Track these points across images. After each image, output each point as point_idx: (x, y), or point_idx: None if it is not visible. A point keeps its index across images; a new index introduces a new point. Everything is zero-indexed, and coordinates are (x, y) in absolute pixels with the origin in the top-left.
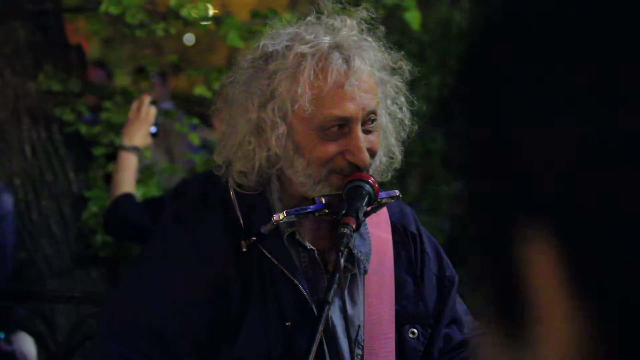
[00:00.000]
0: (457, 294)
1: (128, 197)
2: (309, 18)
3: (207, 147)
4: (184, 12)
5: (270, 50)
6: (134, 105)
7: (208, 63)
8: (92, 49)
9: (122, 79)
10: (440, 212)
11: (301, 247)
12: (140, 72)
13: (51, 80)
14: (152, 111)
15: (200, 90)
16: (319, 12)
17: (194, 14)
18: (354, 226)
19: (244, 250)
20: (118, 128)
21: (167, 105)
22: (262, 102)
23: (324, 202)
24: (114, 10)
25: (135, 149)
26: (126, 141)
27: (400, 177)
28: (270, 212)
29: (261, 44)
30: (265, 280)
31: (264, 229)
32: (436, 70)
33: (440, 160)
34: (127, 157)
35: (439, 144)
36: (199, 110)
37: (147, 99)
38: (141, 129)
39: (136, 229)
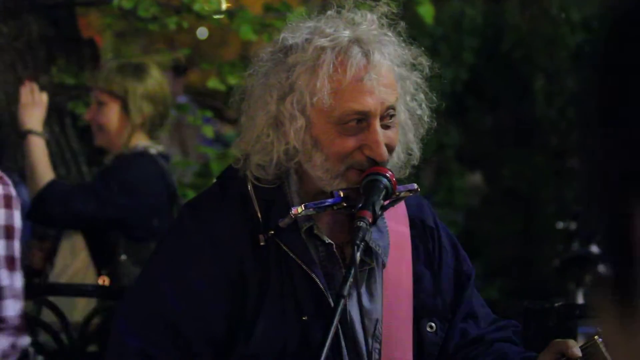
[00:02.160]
0: (474, 288)
1: (60, 183)
2: (329, 12)
3: (220, 140)
4: (196, 6)
5: (290, 43)
6: (26, 89)
7: (221, 57)
8: (105, 43)
9: None
10: (454, 206)
11: (319, 241)
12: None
13: (64, 73)
14: (44, 96)
15: (213, 83)
16: (340, 7)
17: (207, 7)
18: (370, 220)
19: (262, 244)
20: None
21: (182, 99)
22: (281, 95)
23: (341, 195)
24: (126, 4)
25: (43, 133)
26: (32, 125)
27: (414, 171)
28: (289, 206)
29: (281, 37)
30: (282, 274)
31: (282, 223)
32: (449, 64)
33: (454, 154)
34: (39, 142)
35: (452, 137)
36: (212, 103)
37: (34, 84)
38: (39, 113)
39: (75, 214)
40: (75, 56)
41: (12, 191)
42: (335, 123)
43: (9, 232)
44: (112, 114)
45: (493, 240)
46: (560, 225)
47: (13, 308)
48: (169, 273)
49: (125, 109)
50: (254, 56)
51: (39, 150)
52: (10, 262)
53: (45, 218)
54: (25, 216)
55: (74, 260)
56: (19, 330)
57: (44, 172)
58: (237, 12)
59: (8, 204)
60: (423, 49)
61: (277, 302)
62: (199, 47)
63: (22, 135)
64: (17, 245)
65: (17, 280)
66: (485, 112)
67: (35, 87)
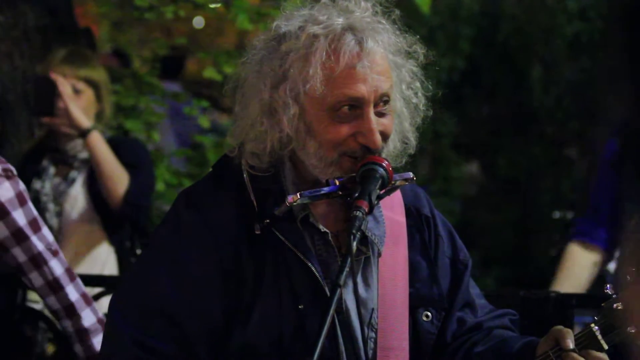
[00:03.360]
0: (470, 277)
1: (134, 179)
2: (323, 0)
3: (216, 130)
4: None
5: (284, 31)
6: (63, 83)
7: (217, 46)
8: (102, 32)
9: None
10: (451, 195)
11: (315, 229)
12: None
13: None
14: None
15: (209, 73)
16: None
17: None
18: (366, 209)
19: (257, 233)
20: (128, 111)
21: (171, 87)
22: (274, 83)
23: (337, 184)
24: None
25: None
26: (89, 121)
27: (410, 160)
28: (284, 195)
29: (274, 25)
30: (278, 263)
31: (278, 211)
32: (446, 53)
33: (450, 143)
34: (100, 136)
35: (449, 127)
36: (208, 93)
37: (58, 76)
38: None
39: (148, 206)
40: (72, 45)
41: (10, 165)
42: (328, 110)
43: (21, 199)
44: (89, 101)
45: (489, 230)
46: (556, 214)
47: (78, 290)
48: (164, 262)
49: (98, 95)
50: (243, 46)
51: (104, 145)
52: (34, 225)
53: (136, 213)
54: (119, 214)
55: (91, 251)
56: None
57: (118, 167)
58: (233, 1)
59: (10, 176)
60: (419, 37)
61: (273, 290)
62: (195, 36)
63: (84, 133)
64: (31, 206)
65: (47, 239)
66: (482, 101)
67: (64, 80)
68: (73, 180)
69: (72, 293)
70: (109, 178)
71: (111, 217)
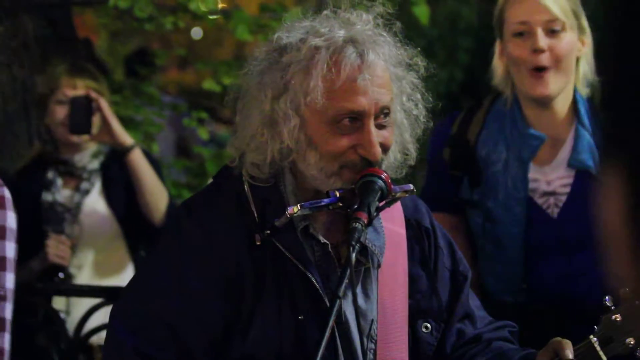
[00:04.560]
0: (470, 289)
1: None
2: (325, 12)
3: (215, 141)
4: (192, 6)
5: (285, 42)
6: (103, 102)
7: (215, 57)
8: (100, 43)
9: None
10: None
11: (315, 240)
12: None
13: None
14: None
15: (209, 84)
16: (336, 7)
17: (203, 7)
18: (365, 221)
19: (258, 243)
20: (126, 121)
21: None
22: (275, 95)
23: (337, 195)
24: (122, 3)
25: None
26: (130, 138)
27: (408, 172)
28: (285, 206)
29: (276, 36)
30: (278, 274)
31: (278, 222)
32: (444, 65)
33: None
34: (141, 154)
35: None
36: (207, 104)
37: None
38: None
39: None
40: (71, 56)
41: (6, 192)
42: (328, 122)
43: (1, 232)
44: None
45: None
46: None
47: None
48: (165, 272)
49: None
50: (249, 56)
51: (145, 162)
52: (1, 263)
53: None
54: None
55: (111, 260)
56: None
57: (159, 183)
58: (233, 12)
59: (2, 205)
60: (419, 49)
61: (273, 301)
62: (194, 47)
63: (126, 151)
64: (10, 245)
65: (9, 281)
66: None
67: (103, 99)
68: (87, 191)
69: None
70: (151, 194)
71: (136, 229)
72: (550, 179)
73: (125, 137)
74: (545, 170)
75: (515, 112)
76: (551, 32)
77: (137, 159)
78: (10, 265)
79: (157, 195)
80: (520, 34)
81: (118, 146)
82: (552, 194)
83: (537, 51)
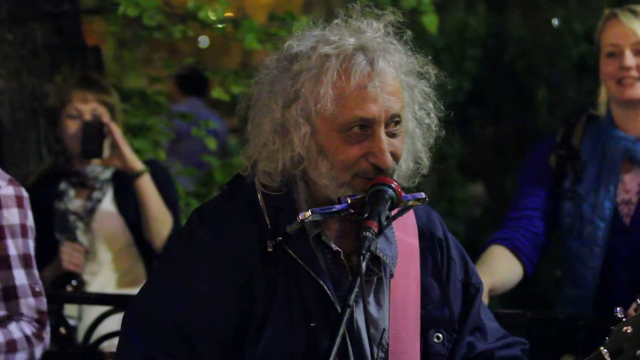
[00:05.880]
0: (482, 302)
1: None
2: (335, 20)
3: (223, 150)
4: (202, 14)
5: (295, 51)
6: (114, 127)
7: (222, 66)
8: (107, 51)
9: (137, 82)
10: (456, 216)
11: (327, 248)
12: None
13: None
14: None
15: (217, 93)
16: (346, 15)
17: (212, 16)
18: (375, 230)
19: (270, 250)
20: (135, 130)
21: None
22: (286, 103)
23: (349, 202)
24: (132, 12)
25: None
26: (140, 162)
27: (416, 182)
28: (297, 213)
29: (286, 44)
30: (290, 281)
31: (290, 228)
32: (452, 74)
33: (456, 164)
34: (149, 179)
35: (455, 148)
36: (215, 113)
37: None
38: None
39: None
40: (80, 64)
41: (24, 192)
42: (339, 130)
43: (24, 230)
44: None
45: None
46: None
47: (31, 303)
48: (177, 278)
49: (112, 117)
50: (260, 64)
51: (153, 188)
52: (27, 260)
53: None
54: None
55: (124, 266)
56: (40, 323)
57: (164, 209)
58: (241, 21)
59: (21, 204)
60: (430, 58)
61: (285, 308)
62: (201, 55)
63: (136, 176)
64: (31, 244)
65: (34, 277)
66: (487, 122)
67: (115, 124)
68: (99, 200)
69: None
70: (155, 220)
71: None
72: (629, 188)
73: (136, 162)
74: (624, 178)
75: (608, 120)
76: (638, 53)
77: (145, 185)
78: (34, 262)
79: (161, 222)
80: (612, 55)
81: (128, 170)
82: (628, 202)
83: (624, 69)
